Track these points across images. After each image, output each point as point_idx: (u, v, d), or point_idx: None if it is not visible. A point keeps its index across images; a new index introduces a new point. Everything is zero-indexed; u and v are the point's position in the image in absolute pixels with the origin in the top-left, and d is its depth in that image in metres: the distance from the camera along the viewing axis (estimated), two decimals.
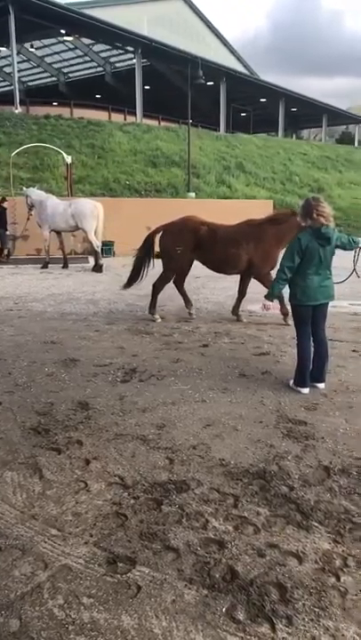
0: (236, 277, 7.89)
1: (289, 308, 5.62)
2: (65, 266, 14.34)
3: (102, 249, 14.73)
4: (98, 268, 13.58)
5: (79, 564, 2.44)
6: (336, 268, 4.95)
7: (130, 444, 3.67)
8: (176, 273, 7.87)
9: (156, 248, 7.87)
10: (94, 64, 42.33)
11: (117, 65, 41.23)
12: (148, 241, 7.91)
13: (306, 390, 4.72)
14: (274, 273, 5.68)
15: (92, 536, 2.64)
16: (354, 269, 6.58)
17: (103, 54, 40.52)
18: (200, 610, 2.15)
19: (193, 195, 22.78)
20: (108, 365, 5.52)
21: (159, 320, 7.69)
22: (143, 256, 7.92)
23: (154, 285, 7.88)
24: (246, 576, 2.35)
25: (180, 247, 7.48)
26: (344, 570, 2.40)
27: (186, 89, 25.03)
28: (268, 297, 5.01)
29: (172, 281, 7.94)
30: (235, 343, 6.46)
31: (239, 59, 46.24)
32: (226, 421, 4.08)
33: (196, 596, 2.23)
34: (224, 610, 2.15)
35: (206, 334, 6.90)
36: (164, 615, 2.13)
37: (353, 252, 5.33)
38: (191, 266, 7.85)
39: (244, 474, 3.26)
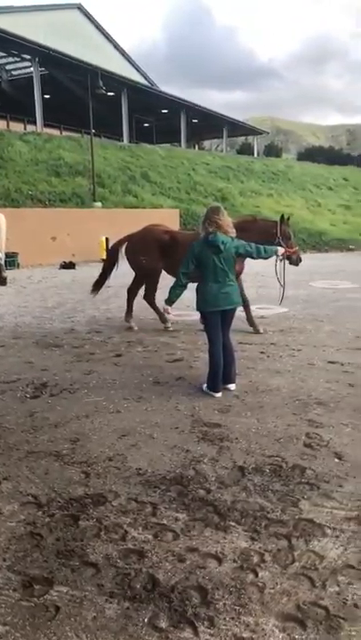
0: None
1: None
2: None
3: (6, 261, 14.18)
4: (2, 281, 13.06)
5: None
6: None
7: (43, 462, 3.55)
8: (145, 282, 7.89)
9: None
10: None
11: (15, 73, 40.09)
12: (113, 252, 8.05)
13: (219, 394, 4.83)
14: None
15: (5, 560, 2.51)
16: (277, 278, 6.85)
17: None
18: (122, 623, 2.12)
19: (99, 204, 22.62)
20: (17, 381, 5.32)
21: (170, 327, 7.71)
22: (109, 266, 8.08)
23: (146, 298, 7.96)
24: (167, 583, 2.34)
25: (145, 257, 7.50)
26: (261, 565, 2.47)
27: (87, 99, 24.87)
28: (167, 302, 5.10)
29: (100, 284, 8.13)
30: (148, 351, 6.47)
31: (138, 70, 46.65)
32: (142, 430, 4.06)
33: (117, 610, 2.19)
34: (146, 620, 2.13)
35: (119, 344, 6.86)
36: (85, 634, 2.07)
37: (274, 261, 5.60)
38: (159, 274, 7.78)
39: (161, 481, 3.27)
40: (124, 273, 8.14)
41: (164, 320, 7.73)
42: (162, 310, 5.54)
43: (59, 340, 7.08)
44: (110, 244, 8.29)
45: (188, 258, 4.86)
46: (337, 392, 4.91)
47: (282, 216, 7.17)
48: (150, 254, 7.47)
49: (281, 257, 6.91)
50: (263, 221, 7.42)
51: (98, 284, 8.25)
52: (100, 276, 8.23)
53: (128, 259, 7.87)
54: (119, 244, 8.01)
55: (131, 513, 2.91)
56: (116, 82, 34.87)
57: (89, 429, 4.10)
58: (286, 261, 6.94)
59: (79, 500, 3.04)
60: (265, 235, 6.87)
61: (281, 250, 5.69)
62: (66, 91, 37.70)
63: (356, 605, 2.21)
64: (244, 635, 2.06)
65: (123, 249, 7.91)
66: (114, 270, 8.06)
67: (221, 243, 4.70)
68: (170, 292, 5.06)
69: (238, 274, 7.27)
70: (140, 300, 7.90)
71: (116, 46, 45.00)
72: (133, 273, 7.98)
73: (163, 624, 2.11)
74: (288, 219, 7.20)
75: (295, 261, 7.24)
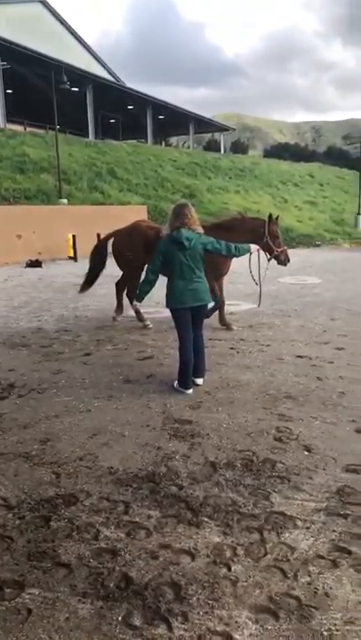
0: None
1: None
2: None
3: None
4: None
5: None
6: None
7: (12, 463, 3.50)
8: (131, 276, 7.70)
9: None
10: None
11: None
12: (100, 247, 7.97)
13: (189, 390, 4.84)
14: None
15: None
16: (252, 277, 6.85)
17: None
18: (95, 623, 2.11)
19: (65, 201, 22.35)
20: None
21: (150, 326, 7.55)
22: (97, 262, 7.98)
23: (128, 296, 7.79)
24: (141, 580, 2.34)
25: (130, 252, 7.40)
26: (234, 559, 2.49)
27: (51, 94, 24.50)
28: (136, 299, 5.15)
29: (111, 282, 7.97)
30: (118, 349, 6.43)
31: (104, 65, 46.28)
32: (113, 429, 4.04)
33: (90, 610, 2.18)
34: (120, 618, 2.13)
35: (88, 343, 6.80)
36: (58, 635, 2.05)
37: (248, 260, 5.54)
38: (143, 270, 7.66)
39: (133, 479, 3.26)
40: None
41: (141, 319, 7.68)
42: (132, 308, 5.50)
43: (26, 340, 6.97)
44: (97, 241, 8.10)
45: (155, 255, 4.89)
46: (306, 386, 4.99)
47: (270, 215, 7.09)
48: (135, 250, 7.40)
49: (266, 254, 6.89)
50: (252, 220, 7.31)
51: (88, 283, 8.13)
52: (89, 274, 8.10)
53: (114, 255, 7.77)
54: (106, 240, 7.95)
55: (103, 512, 2.90)
56: (80, 77, 34.51)
57: (59, 429, 4.06)
58: (264, 259, 6.91)
59: (50, 501, 3.01)
60: (253, 233, 6.82)
61: (255, 247, 5.57)
62: (29, 86, 37.06)
63: (326, 594, 2.25)
64: (218, 628, 2.08)
65: (110, 245, 7.82)
66: (102, 269, 7.96)
67: (186, 239, 4.70)
68: (138, 290, 5.07)
69: (223, 274, 7.21)
70: (111, 299, 7.85)
71: (81, 41, 44.54)
72: (119, 270, 7.89)
73: (137, 621, 2.11)
74: (277, 218, 7.11)
75: (283, 262, 7.15)
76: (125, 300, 7.83)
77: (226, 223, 7.24)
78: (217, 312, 7.39)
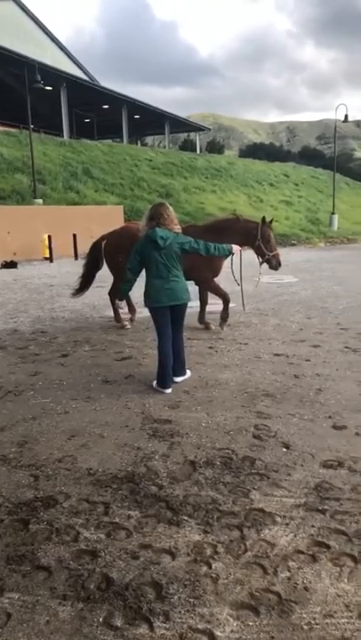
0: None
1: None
2: None
3: None
4: None
5: None
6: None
7: None
8: (115, 279, 7.67)
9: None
10: None
11: None
12: (94, 250, 7.84)
13: (168, 390, 4.84)
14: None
15: None
16: (233, 277, 6.78)
17: None
18: (76, 625, 2.09)
19: (40, 201, 22.13)
20: None
21: (128, 326, 7.52)
22: (91, 265, 7.88)
23: (109, 294, 7.77)
24: (122, 581, 2.34)
25: (121, 255, 7.26)
26: (215, 557, 2.50)
27: (25, 93, 24.23)
28: (117, 298, 5.17)
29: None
30: (96, 350, 6.40)
31: (78, 64, 45.96)
32: (91, 430, 4.02)
33: (71, 612, 2.16)
34: (101, 619, 2.12)
35: (65, 344, 6.75)
36: (39, 638, 2.03)
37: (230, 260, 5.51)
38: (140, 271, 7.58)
39: (112, 480, 3.25)
40: (66, 272, 8.01)
41: (118, 319, 7.63)
42: (113, 307, 5.48)
43: (1, 342, 6.88)
44: (91, 245, 7.99)
45: (132, 254, 4.91)
46: (283, 383, 5.04)
47: (263, 218, 6.98)
48: (125, 252, 7.32)
49: (259, 258, 6.81)
50: (246, 222, 7.09)
51: (81, 290, 8.01)
52: (83, 277, 7.97)
53: (105, 257, 7.66)
54: (99, 241, 7.84)
55: (82, 514, 2.88)
56: (54, 76, 34.19)
57: (36, 432, 4.02)
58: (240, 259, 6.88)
59: (28, 504, 2.98)
60: (246, 236, 6.78)
61: (236, 248, 5.49)
62: (2, 85, 36.62)
63: (306, 589, 2.28)
64: (200, 626, 2.08)
65: (102, 247, 7.70)
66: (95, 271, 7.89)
67: (160, 238, 4.70)
68: (120, 287, 5.11)
69: (215, 274, 7.06)
70: (88, 300, 7.79)
71: (54, 40, 44.16)
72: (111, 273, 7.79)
73: (118, 622, 2.11)
74: (271, 221, 6.99)
75: (274, 266, 7.02)
76: (91, 300, 7.74)
77: (220, 223, 7.23)
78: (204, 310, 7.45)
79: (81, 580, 2.34)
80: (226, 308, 7.23)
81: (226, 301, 7.18)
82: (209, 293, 7.43)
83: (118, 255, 7.33)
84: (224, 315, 7.27)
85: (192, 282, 7.15)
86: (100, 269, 7.96)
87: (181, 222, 5.39)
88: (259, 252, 6.95)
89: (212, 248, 5.05)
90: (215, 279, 7.20)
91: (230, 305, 7.28)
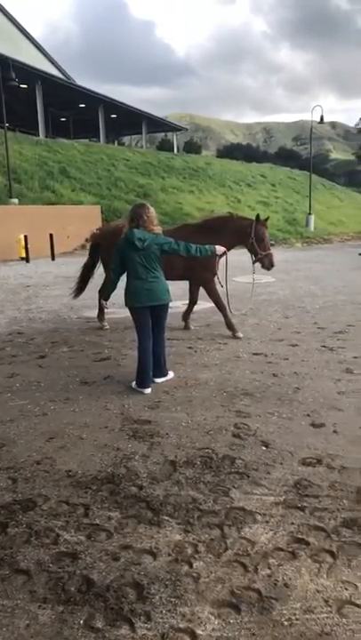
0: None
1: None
2: None
3: None
4: None
5: None
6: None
7: None
8: (106, 277, 7.40)
9: None
10: None
11: None
12: (92, 249, 7.71)
13: (148, 390, 4.83)
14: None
15: None
16: (218, 279, 6.60)
17: None
18: (56, 628, 2.08)
19: (16, 201, 21.84)
20: None
21: (107, 327, 7.49)
22: (88, 267, 7.71)
23: (99, 292, 7.48)
24: (102, 582, 2.33)
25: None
26: (196, 556, 2.51)
27: None
28: (103, 298, 5.30)
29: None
30: (74, 351, 6.35)
31: (53, 62, 45.49)
32: (70, 432, 3.99)
33: (51, 615, 2.15)
34: (82, 622, 2.11)
35: (43, 345, 6.68)
36: None
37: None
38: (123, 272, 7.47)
39: (92, 481, 3.23)
40: (43, 272, 7.93)
41: (101, 319, 7.58)
42: (100, 305, 5.45)
43: None
44: (90, 244, 7.88)
45: (114, 254, 4.92)
46: (262, 382, 5.07)
47: (258, 216, 6.76)
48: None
49: (252, 257, 6.66)
50: (240, 220, 6.89)
51: (78, 290, 7.84)
52: (81, 277, 7.79)
53: (100, 253, 7.43)
54: (94, 240, 7.76)
55: (62, 516, 2.86)
56: (29, 74, 33.77)
57: (14, 434, 3.97)
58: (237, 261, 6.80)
59: (7, 507, 2.95)
60: (239, 234, 6.64)
61: (220, 249, 5.32)
62: None
63: (286, 585, 2.30)
64: (181, 625, 2.09)
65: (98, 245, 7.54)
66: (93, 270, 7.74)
67: (138, 239, 4.69)
68: (105, 289, 5.16)
69: (213, 275, 6.68)
70: (65, 300, 7.71)
71: (29, 37, 43.63)
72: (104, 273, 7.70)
73: (99, 624, 2.10)
74: (266, 220, 6.78)
75: (267, 266, 6.76)
76: (66, 301, 7.65)
77: (213, 221, 7.06)
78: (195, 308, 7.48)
79: (61, 583, 2.33)
80: (226, 315, 6.93)
81: (224, 312, 6.92)
82: (200, 294, 7.27)
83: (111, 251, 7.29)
84: (229, 324, 6.94)
85: (186, 282, 7.16)
86: (96, 267, 7.76)
87: (162, 223, 5.36)
88: (252, 251, 6.76)
89: (192, 249, 4.99)
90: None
91: (207, 305, 7.26)
